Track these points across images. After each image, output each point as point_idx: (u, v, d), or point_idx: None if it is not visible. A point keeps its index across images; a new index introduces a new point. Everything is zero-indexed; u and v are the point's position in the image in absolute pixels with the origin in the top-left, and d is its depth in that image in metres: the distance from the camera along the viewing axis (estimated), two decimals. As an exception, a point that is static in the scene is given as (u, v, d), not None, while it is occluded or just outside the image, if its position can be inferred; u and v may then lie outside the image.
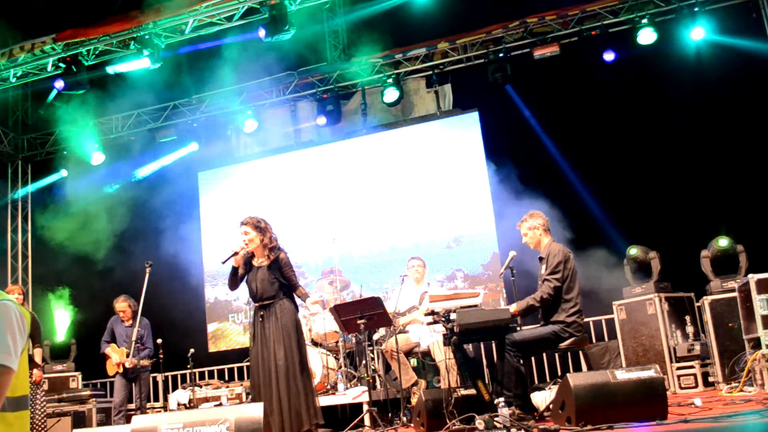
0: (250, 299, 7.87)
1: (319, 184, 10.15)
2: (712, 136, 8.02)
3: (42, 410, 6.73)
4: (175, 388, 9.26)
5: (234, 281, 5.52)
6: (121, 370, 7.42)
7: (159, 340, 7.17)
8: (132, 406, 7.60)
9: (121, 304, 7.61)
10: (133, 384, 7.49)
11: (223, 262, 5.47)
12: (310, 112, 10.14)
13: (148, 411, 8.55)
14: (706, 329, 6.73)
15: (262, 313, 5.40)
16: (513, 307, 5.13)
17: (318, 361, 6.85)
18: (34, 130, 10.93)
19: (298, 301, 5.53)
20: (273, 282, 5.37)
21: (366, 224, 9.79)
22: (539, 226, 5.36)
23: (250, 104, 10.01)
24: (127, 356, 7.30)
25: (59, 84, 8.42)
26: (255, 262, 5.50)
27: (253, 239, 5.38)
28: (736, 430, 3.55)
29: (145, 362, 7.25)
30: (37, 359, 6.64)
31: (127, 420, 7.36)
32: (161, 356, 7.07)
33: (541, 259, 5.33)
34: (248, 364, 8.22)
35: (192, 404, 7.40)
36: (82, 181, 10.68)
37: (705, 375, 6.69)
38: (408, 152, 9.83)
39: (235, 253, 5.40)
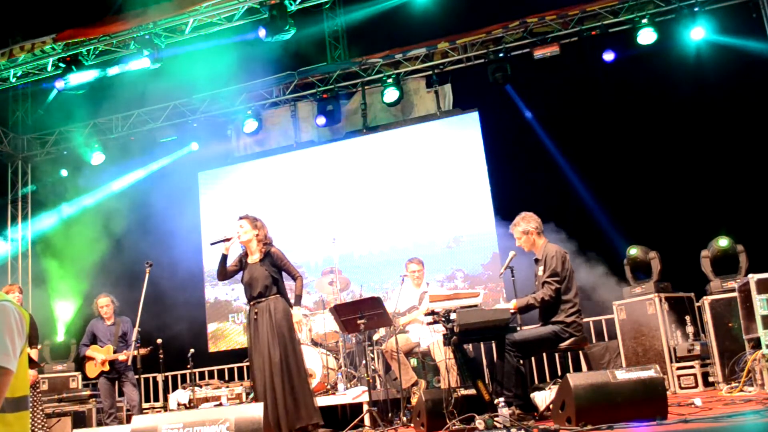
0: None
1: (319, 184, 10.15)
2: (712, 136, 8.02)
3: (41, 410, 6.69)
4: (175, 388, 9.25)
5: (222, 270, 5.60)
6: (107, 368, 7.32)
7: (159, 340, 7.15)
8: (122, 405, 7.54)
9: (104, 300, 7.58)
10: (117, 384, 7.38)
11: (212, 244, 5.59)
12: (310, 112, 10.15)
13: (147, 411, 8.55)
14: (706, 329, 6.72)
15: (255, 311, 5.48)
16: (513, 303, 5.13)
17: (318, 361, 6.85)
18: (34, 130, 10.93)
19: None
20: (266, 278, 5.46)
21: (366, 224, 9.79)
22: (533, 230, 5.32)
23: (250, 104, 10.02)
24: (115, 352, 7.27)
25: (59, 84, 8.42)
26: (249, 260, 5.62)
27: (247, 232, 5.55)
28: (736, 430, 3.55)
29: (144, 351, 7.16)
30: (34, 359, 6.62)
31: (119, 422, 7.35)
32: (161, 356, 7.06)
33: (537, 260, 5.32)
34: (248, 363, 8.23)
35: (192, 404, 7.40)
36: (82, 181, 10.70)
37: (705, 375, 6.68)
38: (408, 152, 9.83)
39: (226, 239, 5.54)
